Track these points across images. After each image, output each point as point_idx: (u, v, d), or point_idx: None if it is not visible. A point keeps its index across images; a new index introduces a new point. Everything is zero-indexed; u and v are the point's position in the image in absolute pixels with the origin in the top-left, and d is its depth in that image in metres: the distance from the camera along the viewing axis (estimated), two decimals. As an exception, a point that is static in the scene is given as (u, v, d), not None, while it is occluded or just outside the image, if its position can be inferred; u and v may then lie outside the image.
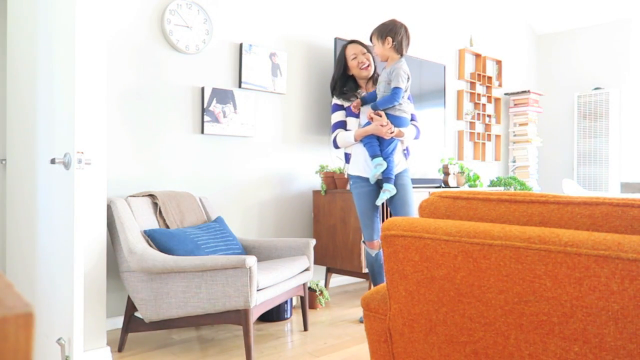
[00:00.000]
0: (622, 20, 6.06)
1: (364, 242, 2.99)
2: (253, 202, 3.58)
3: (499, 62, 5.98)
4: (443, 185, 4.42)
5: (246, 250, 2.97)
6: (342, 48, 3.02)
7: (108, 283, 2.82)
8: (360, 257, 3.44)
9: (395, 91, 2.74)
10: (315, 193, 3.78)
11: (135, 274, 2.41)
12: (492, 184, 5.19)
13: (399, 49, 2.79)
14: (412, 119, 2.99)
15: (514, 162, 6.09)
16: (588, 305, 0.92)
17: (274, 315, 3.05)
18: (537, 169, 6.23)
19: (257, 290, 2.34)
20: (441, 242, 1.12)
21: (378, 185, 2.92)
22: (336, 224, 3.60)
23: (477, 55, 5.64)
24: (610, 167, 5.96)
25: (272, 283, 2.45)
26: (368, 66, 2.95)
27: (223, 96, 3.36)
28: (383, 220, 3.40)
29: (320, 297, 3.36)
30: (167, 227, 2.72)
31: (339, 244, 3.59)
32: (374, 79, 3.03)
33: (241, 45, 3.48)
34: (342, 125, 2.98)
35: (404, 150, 3.00)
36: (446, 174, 4.43)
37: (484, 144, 5.70)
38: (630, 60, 6.00)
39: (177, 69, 3.19)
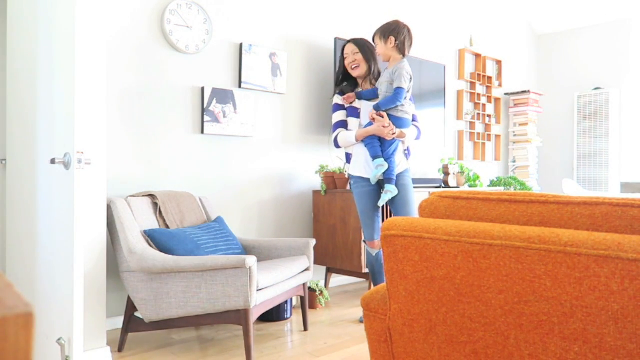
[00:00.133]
0: (622, 20, 6.06)
1: (364, 241, 2.99)
2: (253, 202, 3.58)
3: (499, 62, 5.98)
4: (443, 185, 4.41)
5: (246, 250, 2.97)
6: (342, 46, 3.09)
7: (108, 283, 2.82)
8: (361, 257, 3.44)
9: (398, 91, 2.74)
10: (315, 193, 3.78)
11: (135, 274, 2.41)
12: (492, 184, 5.19)
13: (401, 49, 2.79)
14: (413, 120, 2.99)
15: (514, 162, 6.08)
16: (588, 305, 0.92)
17: (274, 315, 3.05)
18: (537, 169, 6.23)
19: (257, 290, 2.34)
20: (441, 242, 1.12)
21: (379, 185, 2.92)
22: (336, 224, 3.61)
23: (477, 55, 5.64)
24: (610, 167, 5.96)
25: (272, 283, 2.45)
26: (357, 67, 2.96)
27: (223, 96, 3.36)
28: (384, 220, 3.40)
29: (320, 297, 3.36)
30: (167, 227, 2.72)
31: (339, 244, 3.59)
32: (370, 78, 3.03)
33: (241, 45, 3.48)
34: (343, 124, 2.98)
35: (405, 150, 3.01)
36: (446, 174, 4.43)
37: (484, 144, 5.70)
38: (630, 60, 6.00)
39: (177, 69, 3.19)
